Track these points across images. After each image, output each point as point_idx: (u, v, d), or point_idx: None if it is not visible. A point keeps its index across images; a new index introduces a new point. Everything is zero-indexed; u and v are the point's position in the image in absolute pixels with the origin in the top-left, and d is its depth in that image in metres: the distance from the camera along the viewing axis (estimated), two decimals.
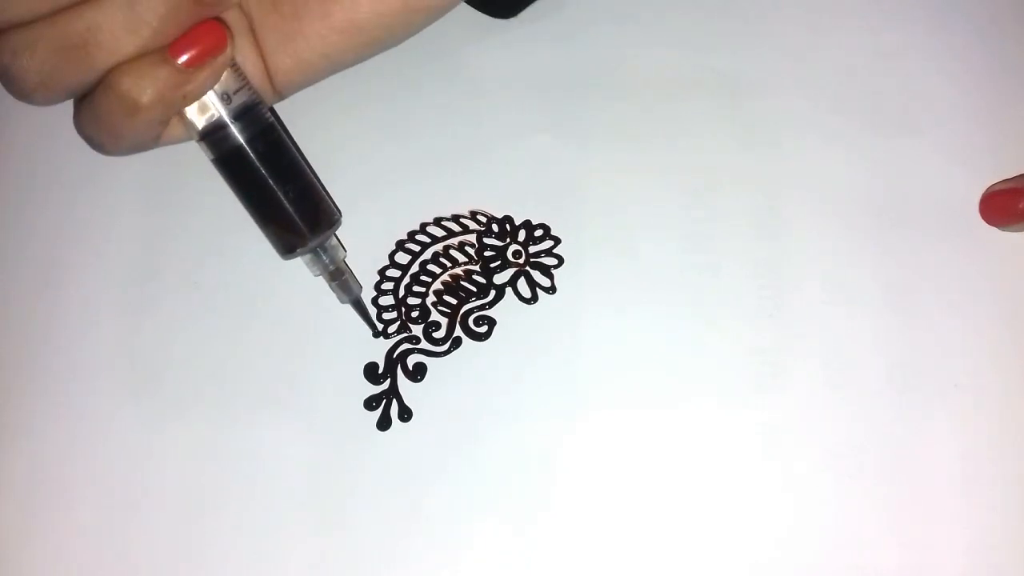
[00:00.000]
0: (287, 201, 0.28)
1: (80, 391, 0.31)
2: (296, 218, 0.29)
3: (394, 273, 0.32)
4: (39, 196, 0.35)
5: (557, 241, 0.32)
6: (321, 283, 0.32)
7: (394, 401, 0.31)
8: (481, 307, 0.32)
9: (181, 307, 0.32)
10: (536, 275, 0.32)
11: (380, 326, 0.32)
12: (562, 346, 0.31)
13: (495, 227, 0.33)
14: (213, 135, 0.28)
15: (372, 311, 0.32)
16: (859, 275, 0.32)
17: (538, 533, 0.29)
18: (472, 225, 0.33)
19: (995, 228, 0.32)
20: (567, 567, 0.29)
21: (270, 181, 0.28)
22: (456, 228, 0.33)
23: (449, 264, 0.33)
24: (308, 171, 0.30)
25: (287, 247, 0.29)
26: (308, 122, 0.35)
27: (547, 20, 0.36)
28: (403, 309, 0.32)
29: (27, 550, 0.30)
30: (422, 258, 0.33)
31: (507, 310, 0.32)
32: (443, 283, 0.32)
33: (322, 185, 0.30)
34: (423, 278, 0.32)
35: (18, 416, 0.31)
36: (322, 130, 0.34)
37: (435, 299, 0.32)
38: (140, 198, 0.34)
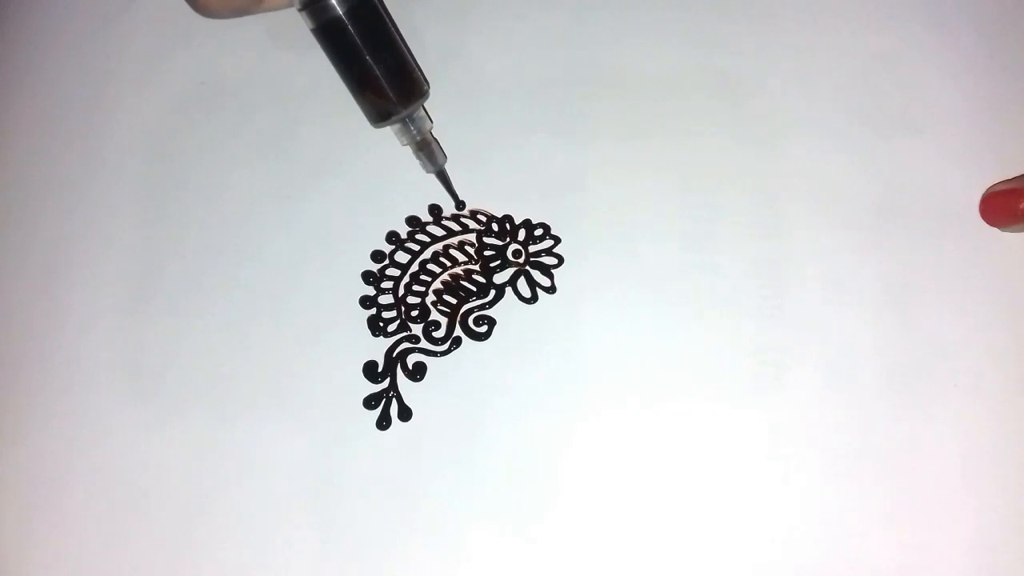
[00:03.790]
0: (381, 71, 0.31)
1: (80, 391, 0.31)
2: (388, 88, 0.31)
3: (394, 272, 0.32)
4: (39, 196, 0.34)
5: (557, 240, 0.32)
6: (321, 280, 0.32)
7: (393, 400, 0.31)
8: (481, 306, 0.32)
9: (181, 308, 0.32)
10: (536, 274, 0.32)
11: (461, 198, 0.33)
12: (562, 346, 0.31)
13: (495, 226, 0.33)
14: (314, 4, 0.30)
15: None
16: (859, 275, 0.32)
17: (537, 532, 0.29)
18: (472, 224, 0.33)
19: (995, 228, 0.32)
20: (566, 565, 0.29)
21: (365, 51, 0.30)
22: (456, 227, 0.33)
23: (449, 263, 0.33)
24: (401, 43, 0.32)
25: (380, 115, 0.32)
26: (310, 121, 0.35)
27: (547, 19, 0.36)
28: (403, 308, 0.32)
29: (27, 550, 0.30)
30: (422, 257, 0.33)
31: (507, 310, 0.32)
32: (443, 282, 0.32)
33: (413, 57, 0.32)
34: (423, 277, 0.32)
35: (19, 416, 0.31)
36: (323, 129, 0.34)
37: (435, 298, 0.32)
38: (140, 199, 0.34)
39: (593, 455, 0.30)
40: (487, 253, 0.33)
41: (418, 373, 0.31)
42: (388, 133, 0.33)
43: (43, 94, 0.36)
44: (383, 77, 0.31)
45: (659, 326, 0.31)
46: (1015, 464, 0.30)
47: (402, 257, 0.33)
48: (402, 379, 0.31)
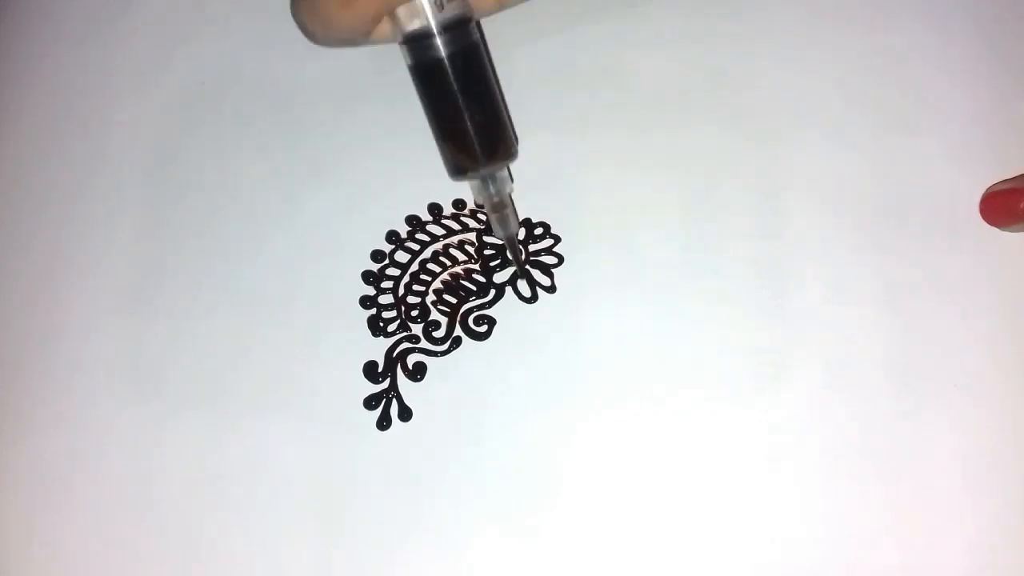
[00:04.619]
0: (471, 123, 0.29)
1: (82, 391, 0.31)
2: (475, 142, 0.29)
3: (394, 272, 0.32)
4: (39, 196, 0.35)
5: (557, 240, 0.32)
6: (321, 280, 0.32)
7: (394, 400, 0.31)
8: (481, 306, 0.32)
9: (182, 307, 0.32)
10: (536, 274, 0.32)
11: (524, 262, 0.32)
12: (562, 345, 0.31)
13: None
14: (417, 41, 0.28)
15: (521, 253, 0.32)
16: (859, 275, 0.32)
17: (538, 532, 0.29)
18: (472, 223, 0.33)
19: (995, 228, 0.32)
20: (567, 565, 0.29)
21: (460, 99, 0.28)
22: (456, 226, 0.33)
23: (449, 263, 0.33)
24: (499, 99, 0.30)
25: (457, 168, 0.30)
26: (310, 121, 0.35)
27: (547, 18, 0.36)
28: (403, 308, 0.32)
29: (29, 550, 0.30)
30: (422, 257, 0.33)
31: (507, 309, 0.32)
32: (443, 282, 0.32)
33: (509, 116, 0.30)
34: (423, 277, 0.32)
35: (20, 416, 0.31)
36: (324, 129, 0.34)
37: (435, 298, 0.32)
38: (140, 199, 0.34)
39: (593, 455, 0.30)
40: (487, 252, 0.33)
41: (418, 373, 0.31)
42: (388, 132, 0.33)
43: (43, 94, 0.36)
44: (471, 130, 0.29)
45: (659, 326, 0.31)
46: (1015, 464, 0.30)
47: (402, 257, 0.33)
48: (402, 379, 0.31)
